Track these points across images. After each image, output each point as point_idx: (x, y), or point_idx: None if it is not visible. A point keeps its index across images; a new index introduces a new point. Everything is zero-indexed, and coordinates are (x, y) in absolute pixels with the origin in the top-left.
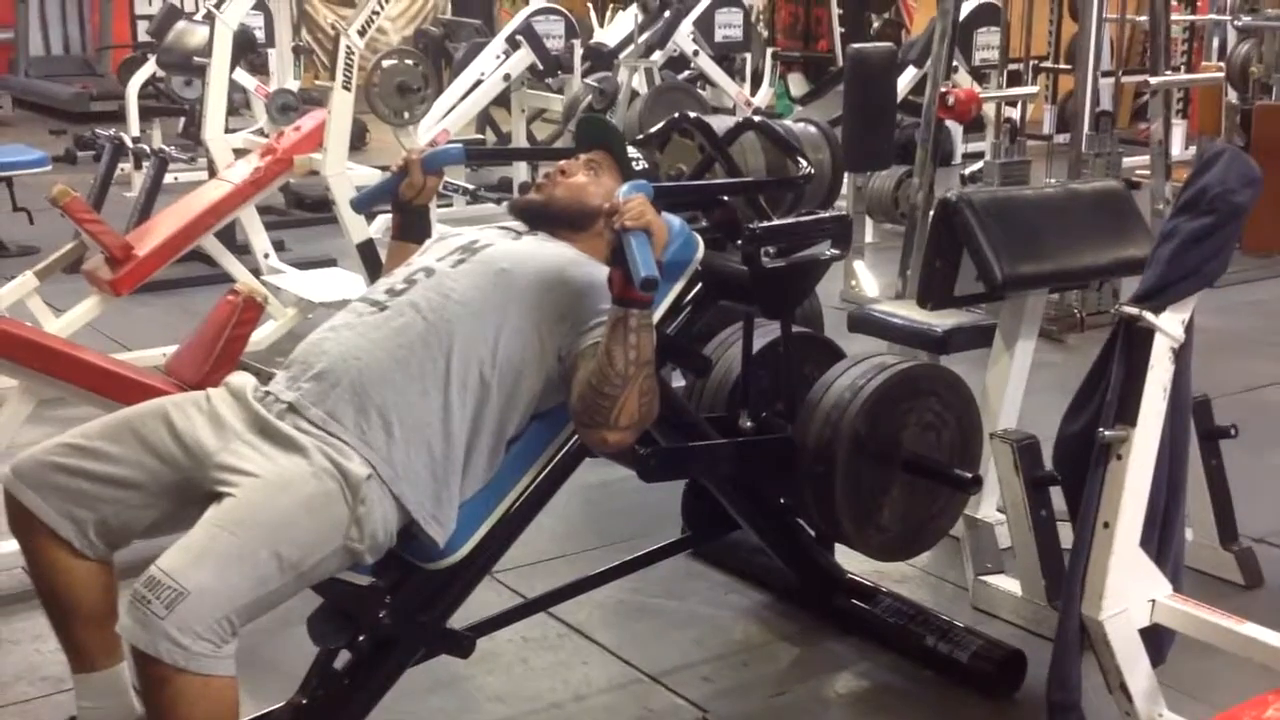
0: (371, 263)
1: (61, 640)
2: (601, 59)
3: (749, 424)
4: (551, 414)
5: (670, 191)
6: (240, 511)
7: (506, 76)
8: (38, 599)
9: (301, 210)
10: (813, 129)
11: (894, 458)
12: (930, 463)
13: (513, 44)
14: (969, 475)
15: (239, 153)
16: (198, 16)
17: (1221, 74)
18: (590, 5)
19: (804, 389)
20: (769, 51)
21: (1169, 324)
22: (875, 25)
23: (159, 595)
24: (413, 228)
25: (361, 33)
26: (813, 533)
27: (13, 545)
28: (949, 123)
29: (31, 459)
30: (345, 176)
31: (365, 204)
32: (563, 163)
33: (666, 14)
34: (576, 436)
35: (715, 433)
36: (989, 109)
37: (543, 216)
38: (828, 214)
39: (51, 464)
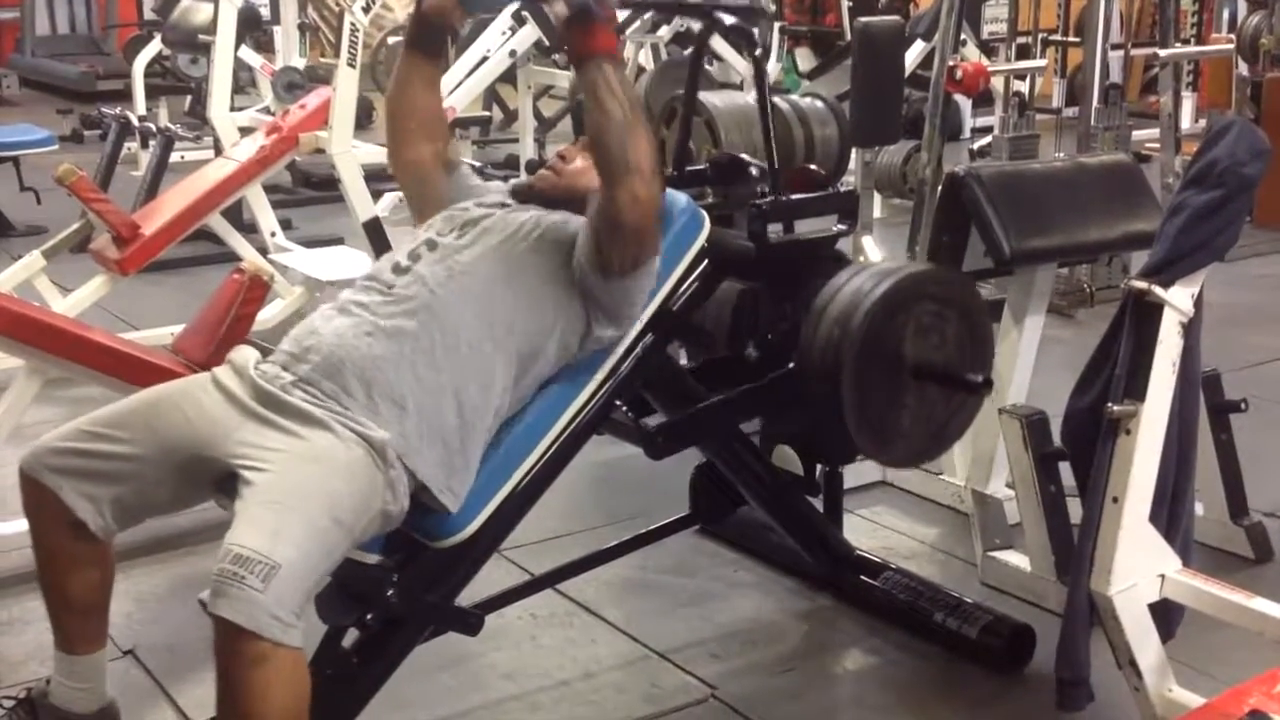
0: (378, 241)
1: (50, 618)
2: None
3: (754, 354)
4: (557, 392)
5: None
6: (287, 485)
7: (512, 53)
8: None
9: (308, 189)
10: (820, 104)
11: (903, 365)
12: (941, 368)
13: (518, 20)
14: (979, 378)
15: (245, 131)
16: None
17: (1232, 46)
18: None
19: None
20: (776, 26)
21: (1178, 298)
22: None
23: (252, 570)
24: (426, 39)
25: (366, 9)
26: (828, 453)
27: (23, 525)
28: (957, 97)
29: (46, 445)
30: (351, 154)
31: None
32: (561, 148)
33: None
34: (581, 415)
35: (715, 394)
36: (997, 83)
37: (545, 204)
38: (835, 189)
39: (67, 448)
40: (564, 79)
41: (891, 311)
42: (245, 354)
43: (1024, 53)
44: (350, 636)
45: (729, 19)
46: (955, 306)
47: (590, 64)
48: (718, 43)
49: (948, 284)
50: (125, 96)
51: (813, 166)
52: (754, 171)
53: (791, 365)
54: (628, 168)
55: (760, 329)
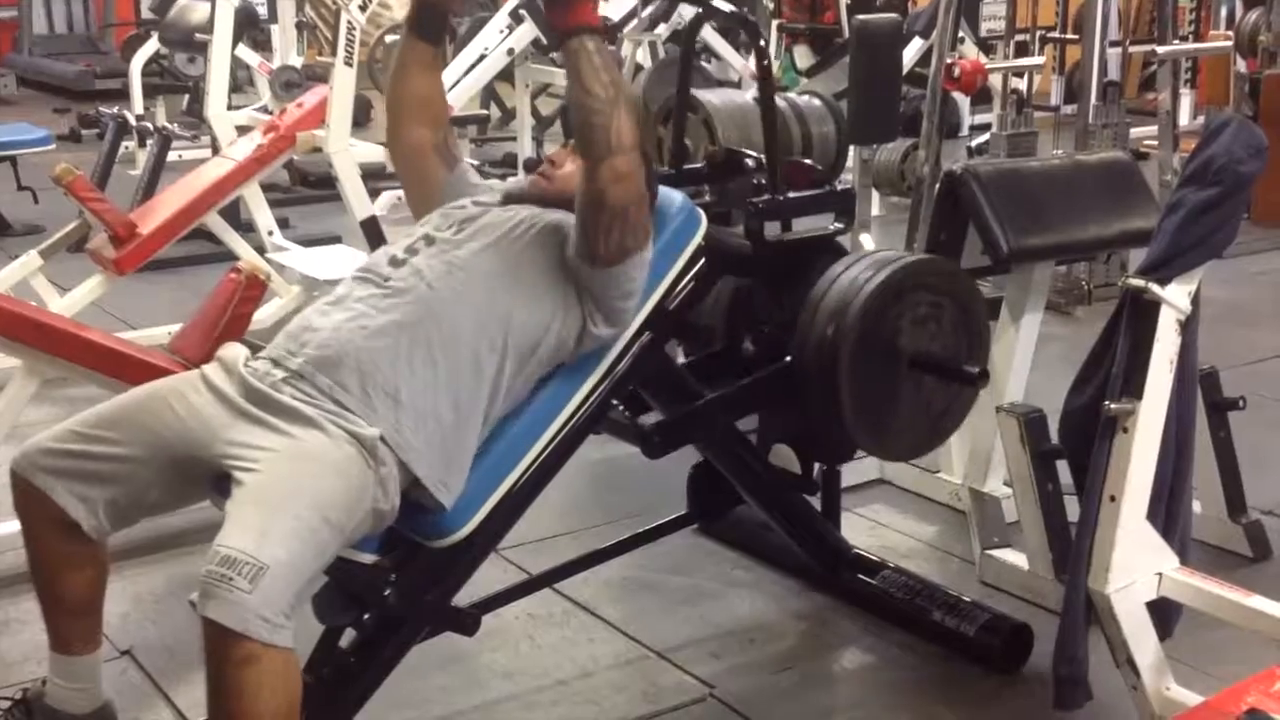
0: (376, 240)
1: (45, 619)
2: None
3: (751, 347)
4: (554, 391)
5: None
6: (276, 485)
7: (510, 51)
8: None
9: (306, 187)
10: (818, 102)
11: (900, 357)
12: (938, 359)
13: (516, 18)
14: (976, 370)
15: (242, 130)
16: None
17: (1230, 43)
18: None
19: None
20: (774, 23)
21: (1175, 296)
22: None
23: (240, 571)
24: (426, 22)
25: (363, 8)
26: (824, 451)
27: (18, 525)
28: (955, 94)
29: (37, 446)
30: (348, 153)
31: None
32: (551, 153)
33: None
34: (579, 414)
35: (711, 390)
36: (995, 80)
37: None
38: (831, 187)
39: (59, 449)
40: (562, 77)
41: (888, 302)
42: (235, 351)
43: (1022, 50)
44: (347, 636)
45: (727, 6)
46: (951, 297)
47: (572, 38)
48: (716, 40)
49: (943, 274)
50: (123, 95)
51: (808, 161)
52: (750, 163)
53: (788, 359)
54: (609, 145)
55: (757, 322)
